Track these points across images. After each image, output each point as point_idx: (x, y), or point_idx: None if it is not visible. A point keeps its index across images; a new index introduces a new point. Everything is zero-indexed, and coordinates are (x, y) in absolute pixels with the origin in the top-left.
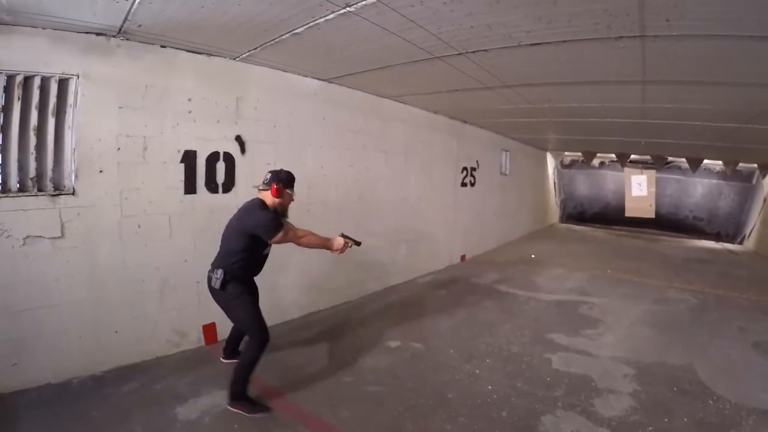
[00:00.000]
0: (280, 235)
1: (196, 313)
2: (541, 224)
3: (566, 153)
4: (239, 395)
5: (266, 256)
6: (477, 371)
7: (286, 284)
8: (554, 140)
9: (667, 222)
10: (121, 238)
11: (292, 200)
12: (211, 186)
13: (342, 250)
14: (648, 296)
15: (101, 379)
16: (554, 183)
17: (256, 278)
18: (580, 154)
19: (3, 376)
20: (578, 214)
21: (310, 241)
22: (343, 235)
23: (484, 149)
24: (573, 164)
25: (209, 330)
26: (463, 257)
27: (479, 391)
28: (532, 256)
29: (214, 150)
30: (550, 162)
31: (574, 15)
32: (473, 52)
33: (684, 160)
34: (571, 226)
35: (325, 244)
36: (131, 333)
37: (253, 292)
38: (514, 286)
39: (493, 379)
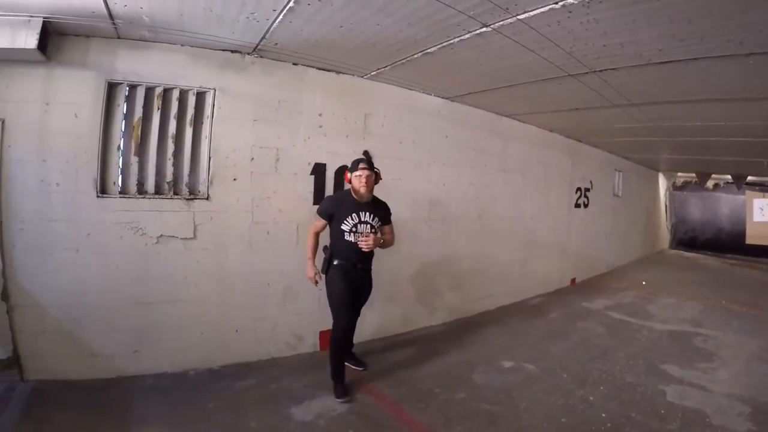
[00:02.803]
0: (315, 216)
1: (315, 319)
2: (652, 249)
3: (679, 174)
4: (331, 375)
5: (353, 243)
6: (591, 398)
7: (400, 297)
8: (668, 160)
9: None
10: (250, 243)
11: (366, 183)
12: None
13: (311, 278)
14: (766, 331)
15: (218, 373)
16: (665, 206)
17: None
18: (693, 174)
19: (124, 361)
20: (689, 239)
21: (307, 241)
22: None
23: (598, 169)
24: (686, 186)
25: (324, 336)
26: (573, 281)
27: (593, 417)
28: (643, 282)
29: (343, 164)
30: (662, 183)
31: (707, 32)
32: (602, 70)
33: None
34: (682, 252)
35: (308, 257)
36: (251, 333)
37: (349, 281)
38: (625, 313)
39: (606, 407)
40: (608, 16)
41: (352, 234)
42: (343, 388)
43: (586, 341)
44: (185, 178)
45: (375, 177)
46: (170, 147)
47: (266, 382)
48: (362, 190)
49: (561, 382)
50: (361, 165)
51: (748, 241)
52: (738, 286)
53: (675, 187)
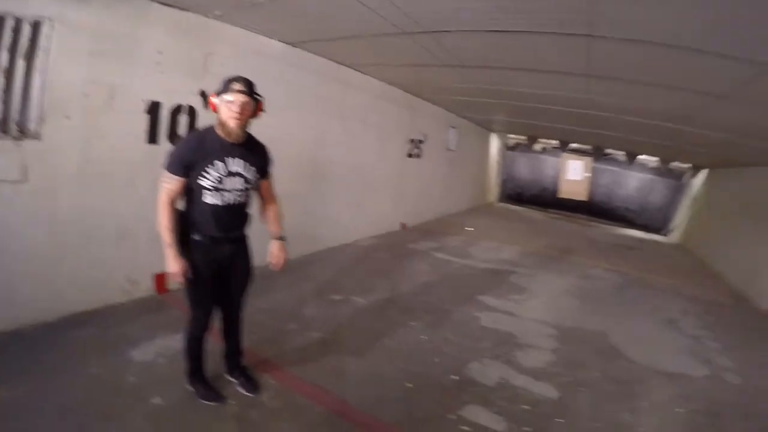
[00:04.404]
0: (165, 175)
1: (149, 261)
2: (481, 201)
3: (511, 135)
4: (186, 373)
5: (223, 207)
6: (413, 323)
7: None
8: (501, 122)
9: (600, 210)
10: (83, 185)
11: (239, 113)
12: (173, 138)
13: (177, 276)
14: (574, 272)
15: (54, 326)
16: (497, 163)
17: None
18: (524, 137)
19: None
20: (516, 194)
21: (159, 218)
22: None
23: (434, 124)
24: (516, 147)
25: (160, 279)
26: (404, 225)
27: (414, 339)
28: (470, 229)
29: (179, 103)
30: (495, 143)
31: (533, 10)
32: (438, 32)
33: (622, 152)
34: (509, 205)
35: (164, 242)
36: (87, 281)
37: (212, 261)
38: (449, 254)
39: (427, 331)
40: None
41: (216, 193)
42: (209, 389)
43: (411, 277)
44: (15, 116)
45: (255, 108)
46: (0, 82)
47: (104, 328)
48: (232, 123)
49: (386, 312)
50: (236, 85)
51: (560, 195)
52: (556, 236)
53: (507, 147)
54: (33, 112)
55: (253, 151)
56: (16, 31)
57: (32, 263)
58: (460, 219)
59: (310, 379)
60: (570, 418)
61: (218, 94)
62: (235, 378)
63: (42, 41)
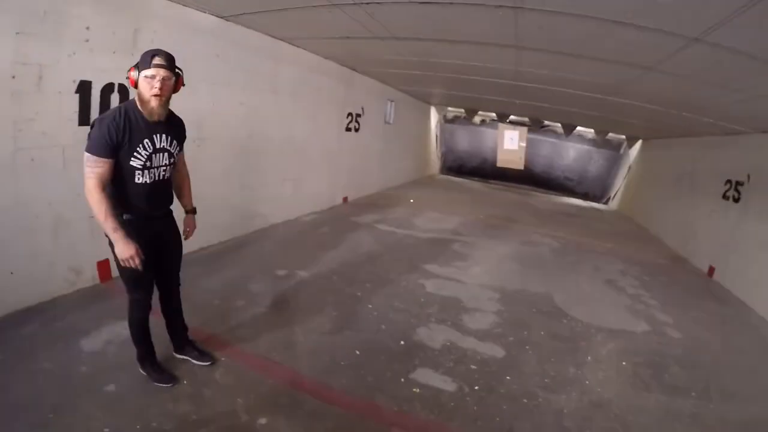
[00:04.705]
0: (84, 156)
1: (90, 249)
2: (422, 174)
3: (450, 108)
4: (138, 359)
5: (152, 185)
6: (358, 293)
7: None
8: (439, 95)
9: (540, 180)
10: (14, 172)
11: (160, 89)
12: None
13: (127, 259)
14: (516, 239)
15: None
16: (436, 136)
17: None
18: (463, 110)
19: None
20: (458, 167)
21: (94, 206)
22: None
23: (371, 98)
24: (455, 120)
25: (103, 267)
26: (345, 199)
27: (361, 309)
28: (411, 200)
29: (109, 81)
30: (434, 116)
31: None
32: (368, 3)
33: (559, 125)
34: (450, 177)
35: (108, 230)
36: (26, 274)
37: (144, 239)
38: (392, 225)
39: (372, 300)
40: None
41: (146, 172)
42: (162, 372)
43: (355, 249)
44: None
45: (175, 82)
46: None
47: (51, 322)
48: (153, 102)
49: (331, 284)
50: (157, 59)
51: (499, 164)
52: (497, 205)
53: (446, 120)
54: None
55: (174, 125)
56: None
57: None
58: (402, 191)
59: (260, 354)
60: (517, 375)
61: (137, 68)
62: (187, 354)
63: None
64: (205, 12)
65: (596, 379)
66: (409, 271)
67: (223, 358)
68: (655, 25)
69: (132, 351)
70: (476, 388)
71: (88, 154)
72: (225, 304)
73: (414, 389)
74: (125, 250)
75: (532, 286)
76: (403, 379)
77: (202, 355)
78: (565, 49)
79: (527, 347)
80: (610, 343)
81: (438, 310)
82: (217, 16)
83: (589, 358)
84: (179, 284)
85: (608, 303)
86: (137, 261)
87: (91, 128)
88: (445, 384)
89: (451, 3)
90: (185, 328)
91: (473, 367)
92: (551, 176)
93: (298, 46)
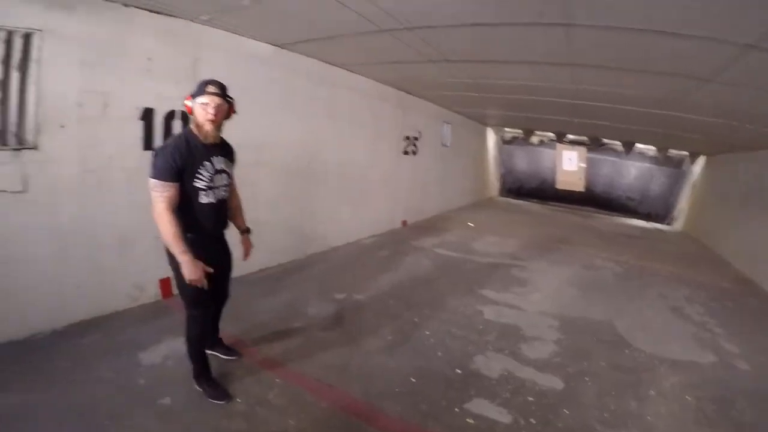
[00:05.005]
0: (151, 182)
1: (153, 267)
2: (481, 196)
3: (507, 129)
4: (194, 376)
5: (215, 205)
6: (415, 319)
7: (230, 241)
8: (495, 116)
9: (601, 200)
10: (82, 194)
11: (215, 114)
12: None
13: (195, 280)
14: (577, 263)
15: (64, 333)
16: (495, 157)
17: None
18: (520, 131)
19: None
20: (517, 188)
21: (163, 229)
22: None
23: (427, 120)
24: (513, 140)
25: (166, 284)
26: (404, 222)
27: (417, 334)
28: (470, 224)
29: (171, 108)
30: (491, 137)
31: (509, 1)
32: (419, 27)
33: (619, 143)
34: (510, 199)
35: (176, 252)
36: (92, 288)
37: (207, 258)
38: (451, 249)
39: (429, 326)
40: None
41: (210, 192)
42: (217, 389)
43: (413, 273)
44: (12, 128)
45: (228, 110)
46: None
47: (113, 334)
48: (208, 126)
49: (388, 308)
50: (210, 88)
51: (558, 186)
52: (557, 228)
53: (504, 141)
54: (30, 122)
55: (227, 149)
56: (8, 43)
57: (38, 272)
58: (461, 214)
59: (315, 376)
60: (575, 408)
61: (193, 96)
62: (216, 351)
63: (34, 53)
64: (261, 41)
65: (658, 415)
66: (467, 297)
67: (277, 380)
68: (707, 34)
69: (189, 367)
70: (532, 421)
71: (155, 180)
72: (282, 325)
73: (468, 420)
74: (194, 272)
75: (594, 314)
76: (457, 409)
77: (229, 351)
78: (619, 63)
79: (587, 378)
80: (673, 376)
81: (496, 337)
82: (273, 45)
83: (651, 391)
84: (228, 296)
85: (673, 331)
86: (204, 282)
87: (155, 156)
88: (501, 416)
89: (502, 24)
90: (217, 330)
91: (530, 398)
92: (612, 196)
93: (353, 72)
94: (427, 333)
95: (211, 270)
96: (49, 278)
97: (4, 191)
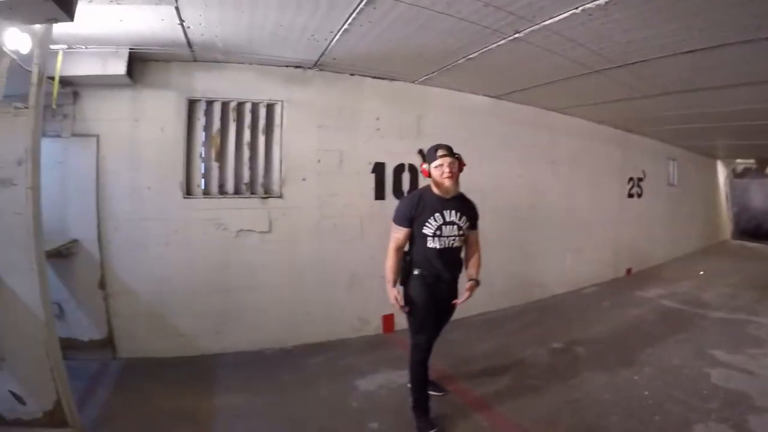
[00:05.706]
0: (394, 227)
1: (378, 304)
2: (712, 240)
3: (738, 160)
4: (413, 407)
5: (438, 250)
6: (635, 377)
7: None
8: (724, 146)
9: None
10: (318, 236)
11: (449, 172)
12: (398, 193)
13: (396, 303)
14: None
15: (290, 352)
16: (726, 194)
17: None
18: (753, 161)
19: (206, 341)
20: (753, 228)
21: (387, 261)
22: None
23: (650, 159)
24: (746, 173)
25: (388, 320)
26: (629, 271)
27: (635, 395)
28: (701, 272)
29: (400, 162)
30: (721, 171)
31: (721, 21)
32: (632, 63)
33: None
34: (745, 243)
35: (386, 278)
36: (321, 316)
37: (431, 294)
38: (678, 302)
39: (650, 386)
40: (626, 16)
41: (436, 239)
42: (429, 421)
43: (636, 327)
44: (260, 180)
45: (459, 164)
46: (246, 153)
47: (335, 359)
48: (446, 182)
49: (607, 363)
50: (440, 152)
51: None
52: None
53: (735, 175)
54: (275, 176)
55: (464, 204)
56: (254, 113)
57: (277, 299)
58: (690, 262)
59: (521, 424)
60: None
61: (428, 162)
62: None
63: (276, 119)
64: (478, 94)
65: None
66: (693, 357)
67: (485, 423)
68: None
69: (401, 397)
70: None
71: (393, 223)
72: (494, 367)
73: None
74: (390, 296)
75: None
76: None
77: (436, 387)
78: None
79: None
80: None
81: (721, 405)
82: (489, 96)
83: None
84: (438, 334)
85: None
86: (398, 306)
87: (398, 204)
88: None
89: (715, 46)
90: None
91: None
92: None
93: (569, 115)
94: (646, 393)
95: (407, 309)
96: (285, 304)
97: (253, 231)
